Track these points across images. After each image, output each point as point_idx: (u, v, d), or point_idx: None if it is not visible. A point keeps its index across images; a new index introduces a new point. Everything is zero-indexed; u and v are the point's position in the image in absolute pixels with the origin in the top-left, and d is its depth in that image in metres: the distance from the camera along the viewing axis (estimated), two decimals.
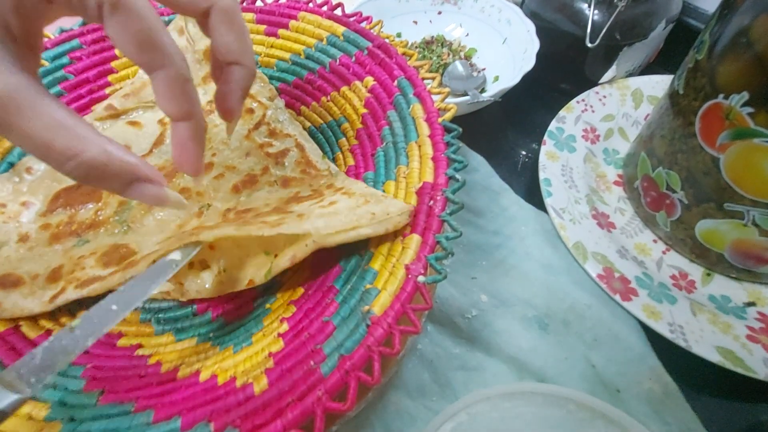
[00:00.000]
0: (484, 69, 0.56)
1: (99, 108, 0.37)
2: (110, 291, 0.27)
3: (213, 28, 0.23)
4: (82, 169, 0.19)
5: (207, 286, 0.29)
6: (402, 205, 0.26)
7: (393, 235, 0.26)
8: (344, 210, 0.26)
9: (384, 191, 0.30)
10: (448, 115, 0.31)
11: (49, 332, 0.28)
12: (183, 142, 0.23)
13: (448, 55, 0.57)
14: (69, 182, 0.34)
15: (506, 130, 0.54)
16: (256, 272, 0.28)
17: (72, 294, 0.27)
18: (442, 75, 0.55)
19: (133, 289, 0.23)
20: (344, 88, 0.36)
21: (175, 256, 0.25)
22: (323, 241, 0.25)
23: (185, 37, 0.39)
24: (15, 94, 0.17)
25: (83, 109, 0.37)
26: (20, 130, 0.18)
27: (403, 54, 0.35)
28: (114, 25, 0.19)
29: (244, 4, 0.42)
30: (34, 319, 0.28)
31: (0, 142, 0.33)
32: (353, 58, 0.36)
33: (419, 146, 0.30)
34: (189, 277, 0.29)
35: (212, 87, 0.38)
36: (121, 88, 0.39)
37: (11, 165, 0.34)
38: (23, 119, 0.17)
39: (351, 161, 0.34)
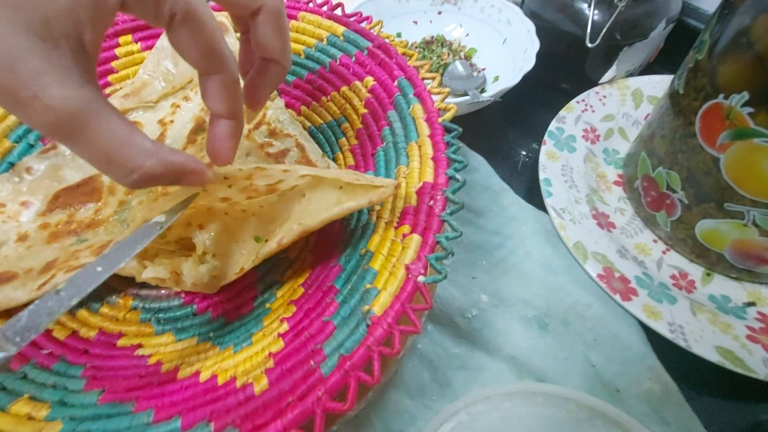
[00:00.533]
0: (484, 69, 0.56)
1: None
2: None
3: (259, 26, 0.24)
4: (141, 181, 0.20)
5: (204, 280, 0.28)
6: (387, 180, 0.26)
7: (393, 235, 0.26)
8: (330, 171, 0.26)
9: None
10: (448, 115, 0.31)
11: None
12: (222, 137, 0.24)
13: (448, 55, 0.57)
14: (69, 182, 0.34)
15: (506, 130, 0.54)
16: (246, 260, 0.28)
17: (60, 278, 0.27)
18: (442, 75, 0.55)
19: (119, 251, 0.23)
20: (344, 88, 0.36)
21: (160, 218, 0.25)
22: (309, 222, 0.25)
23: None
24: (83, 107, 0.18)
25: None
26: (84, 143, 0.18)
27: (403, 54, 0.35)
28: (182, 34, 0.21)
29: None
30: None
31: (0, 143, 0.33)
32: (353, 58, 0.36)
33: (419, 146, 0.30)
34: (186, 269, 0.29)
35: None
36: (121, 88, 0.39)
37: (11, 165, 0.34)
38: (88, 133, 0.18)
39: (351, 161, 0.34)
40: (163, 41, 0.39)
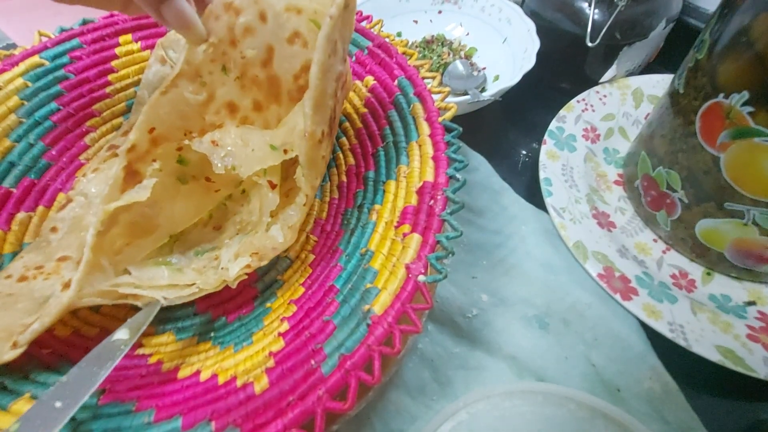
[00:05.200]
0: (484, 68, 0.56)
1: (101, 152, 0.37)
2: None
3: None
4: None
5: (280, 240, 0.27)
6: None
7: (393, 234, 0.26)
8: None
9: (385, 191, 0.30)
10: (449, 115, 0.31)
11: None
12: None
13: (449, 54, 0.57)
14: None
15: (506, 130, 0.54)
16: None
17: None
18: (442, 74, 0.55)
19: (78, 378, 0.20)
20: None
21: (122, 335, 0.23)
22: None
23: (169, 65, 0.39)
24: None
25: (84, 108, 0.37)
26: None
27: (404, 53, 0.35)
28: None
29: None
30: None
31: (0, 142, 0.33)
32: (353, 58, 0.36)
33: (420, 145, 0.30)
34: (261, 241, 0.28)
35: None
36: (122, 89, 0.39)
37: (12, 164, 0.34)
38: None
39: (351, 160, 0.34)
40: (148, 74, 0.39)
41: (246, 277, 0.27)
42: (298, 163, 0.26)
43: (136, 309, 0.30)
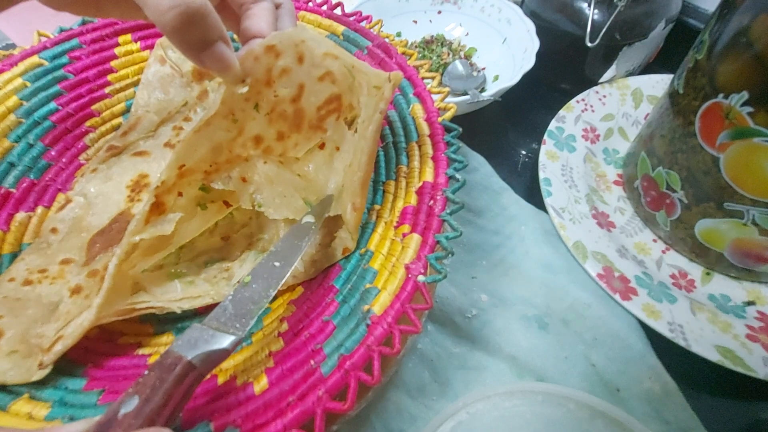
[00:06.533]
0: (483, 68, 0.56)
1: (101, 152, 0.37)
2: None
3: None
4: (187, 12, 0.20)
5: (301, 269, 0.28)
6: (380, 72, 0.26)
7: (393, 234, 0.26)
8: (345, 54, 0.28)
9: (384, 191, 0.30)
10: (448, 115, 0.31)
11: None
12: (259, 13, 0.25)
13: (448, 54, 0.57)
14: (96, 227, 0.33)
15: (506, 130, 0.54)
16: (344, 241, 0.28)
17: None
18: (441, 74, 0.55)
19: (285, 247, 0.25)
20: None
21: (309, 219, 0.27)
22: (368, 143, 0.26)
23: (168, 65, 0.39)
24: None
25: (84, 108, 0.37)
26: None
27: (403, 53, 0.35)
28: None
29: None
30: None
31: (0, 142, 0.33)
32: None
33: (419, 146, 0.30)
34: None
35: (209, 103, 0.39)
36: (122, 90, 0.39)
37: (11, 165, 0.34)
38: None
39: None
40: (148, 74, 0.39)
41: None
42: None
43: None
